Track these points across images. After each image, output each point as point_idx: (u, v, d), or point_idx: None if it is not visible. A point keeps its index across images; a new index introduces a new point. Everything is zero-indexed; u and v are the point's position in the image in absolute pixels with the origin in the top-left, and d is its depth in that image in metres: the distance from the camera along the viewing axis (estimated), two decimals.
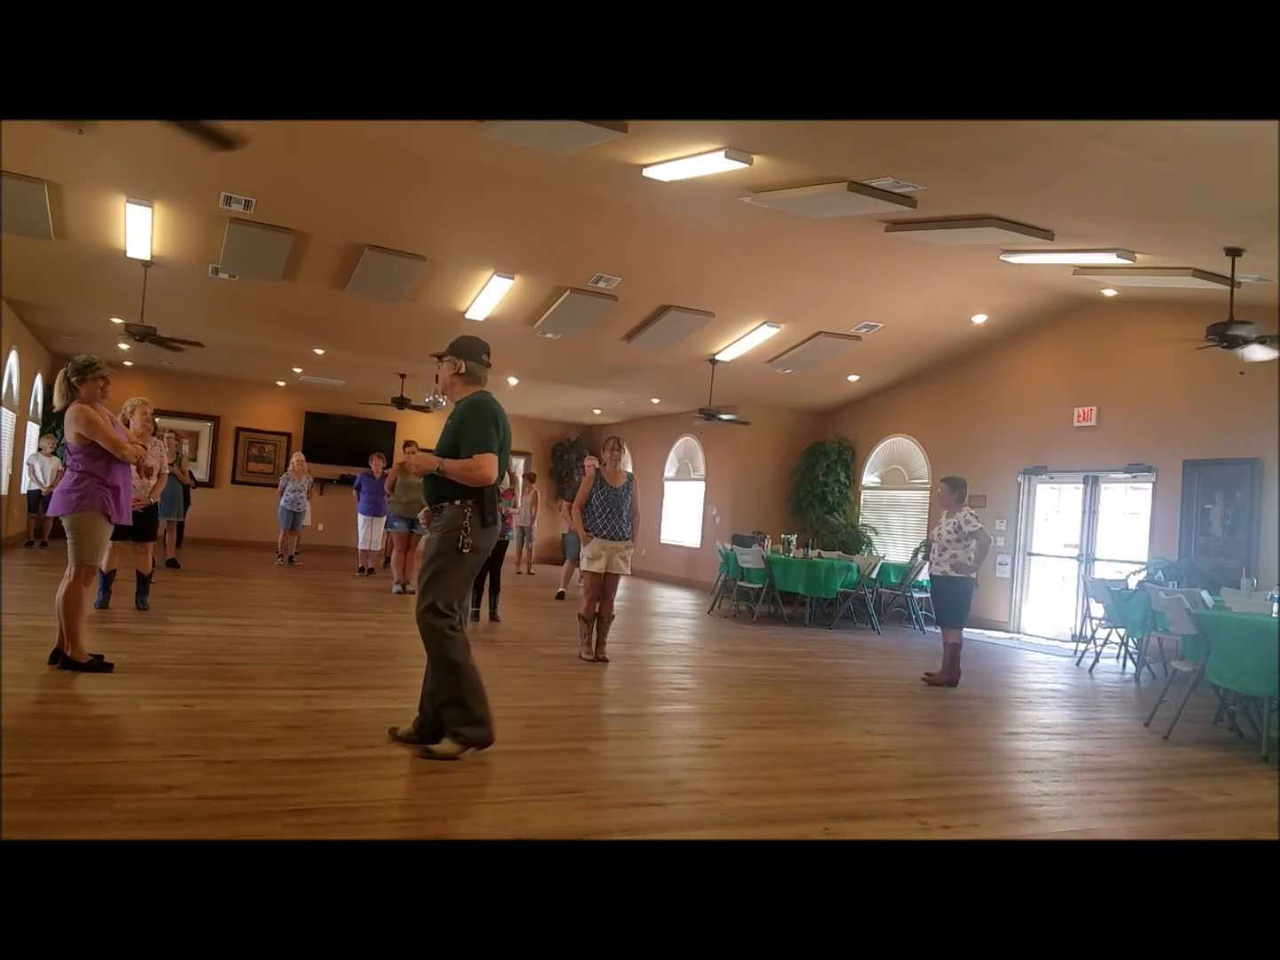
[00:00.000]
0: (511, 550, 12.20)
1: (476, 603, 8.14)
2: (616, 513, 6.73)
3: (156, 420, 7.16)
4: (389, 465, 12.53)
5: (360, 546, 12.16)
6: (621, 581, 7.21)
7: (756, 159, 6.05)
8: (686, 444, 15.78)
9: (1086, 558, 10.28)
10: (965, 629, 7.17)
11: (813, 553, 10.92)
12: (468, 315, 9.94)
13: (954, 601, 7.05)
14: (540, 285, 9.52)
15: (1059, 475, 10.68)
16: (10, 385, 11.20)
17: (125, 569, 7.38)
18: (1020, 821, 3.68)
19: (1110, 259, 7.61)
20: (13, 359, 11.18)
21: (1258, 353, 6.95)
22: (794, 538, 11.12)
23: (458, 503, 3.81)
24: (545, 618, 9.19)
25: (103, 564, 5.88)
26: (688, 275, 9.34)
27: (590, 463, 7.75)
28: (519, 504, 12.40)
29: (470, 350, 4.03)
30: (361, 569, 12.09)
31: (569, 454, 17.81)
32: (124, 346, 12.41)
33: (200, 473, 14.98)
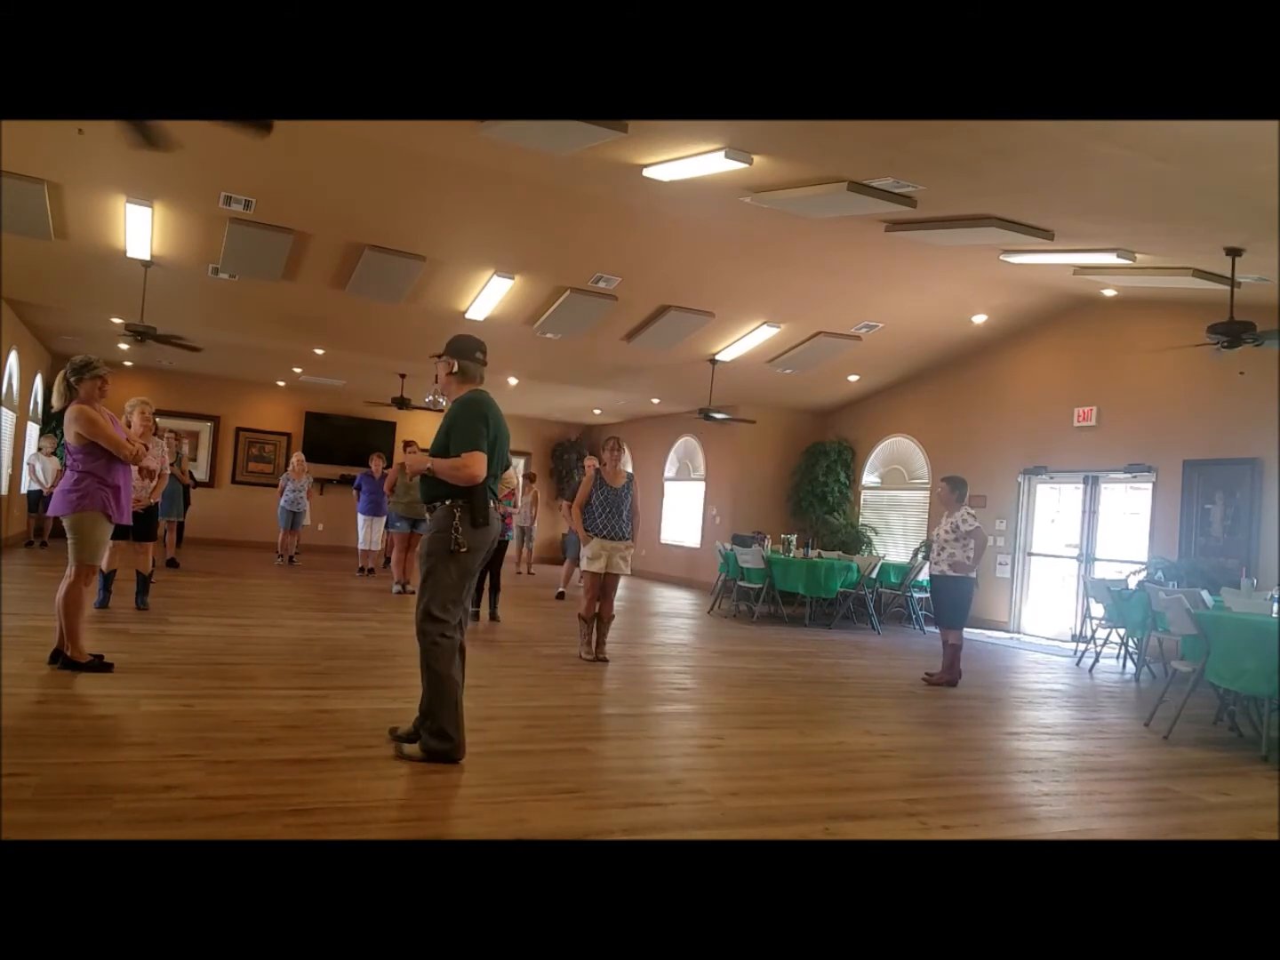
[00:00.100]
0: (511, 550, 12.20)
1: (476, 603, 8.14)
2: (616, 513, 6.73)
3: (157, 420, 7.16)
4: (389, 465, 12.53)
5: (360, 546, 12.16)
6: (621, 581, 7.21)
7: (756, 159, 6.05)
8: (686, 444, 15.78)
9: (1086, 558, 10.28)
10: (965, 629, 7.16)
11: (813, 553, 10.92)
12: (468, 315, 9.94)
13: (953, 601, 7.04)
14: (540, 285, 9.52)
15: (1059, 475, 10.68)
16: (10, 385, 11.19)
17: (125, 569, 7.38)
18: (1020, 821, 3.68)
19: (1110, 259, 7.61)
20: (13, 359, 11.18)
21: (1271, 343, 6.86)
22: (794, 538, 11.12)
23: (448, 502, 3.78)
24: (545, 618, 9.19)
25: (103, 564, 5.89)
26: (688, 275, 9.34)
27: (590, 463, 7.75)
28: (519, 504, 12.41)
29: (464, 349, 4.01)
30: (361, 569, 12.09)
31: (569, 454, 17.81)
32: (124, 346, 12.40)
33: (200, 473, 14.98)
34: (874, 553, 12.30)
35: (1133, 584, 8.46)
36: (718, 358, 11.59)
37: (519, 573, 14.24)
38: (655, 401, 14.59)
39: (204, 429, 15.64)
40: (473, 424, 3.79)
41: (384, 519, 11.74)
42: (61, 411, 4.95)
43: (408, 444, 11.01)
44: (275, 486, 13.39)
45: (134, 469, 5.25)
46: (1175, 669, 5.89)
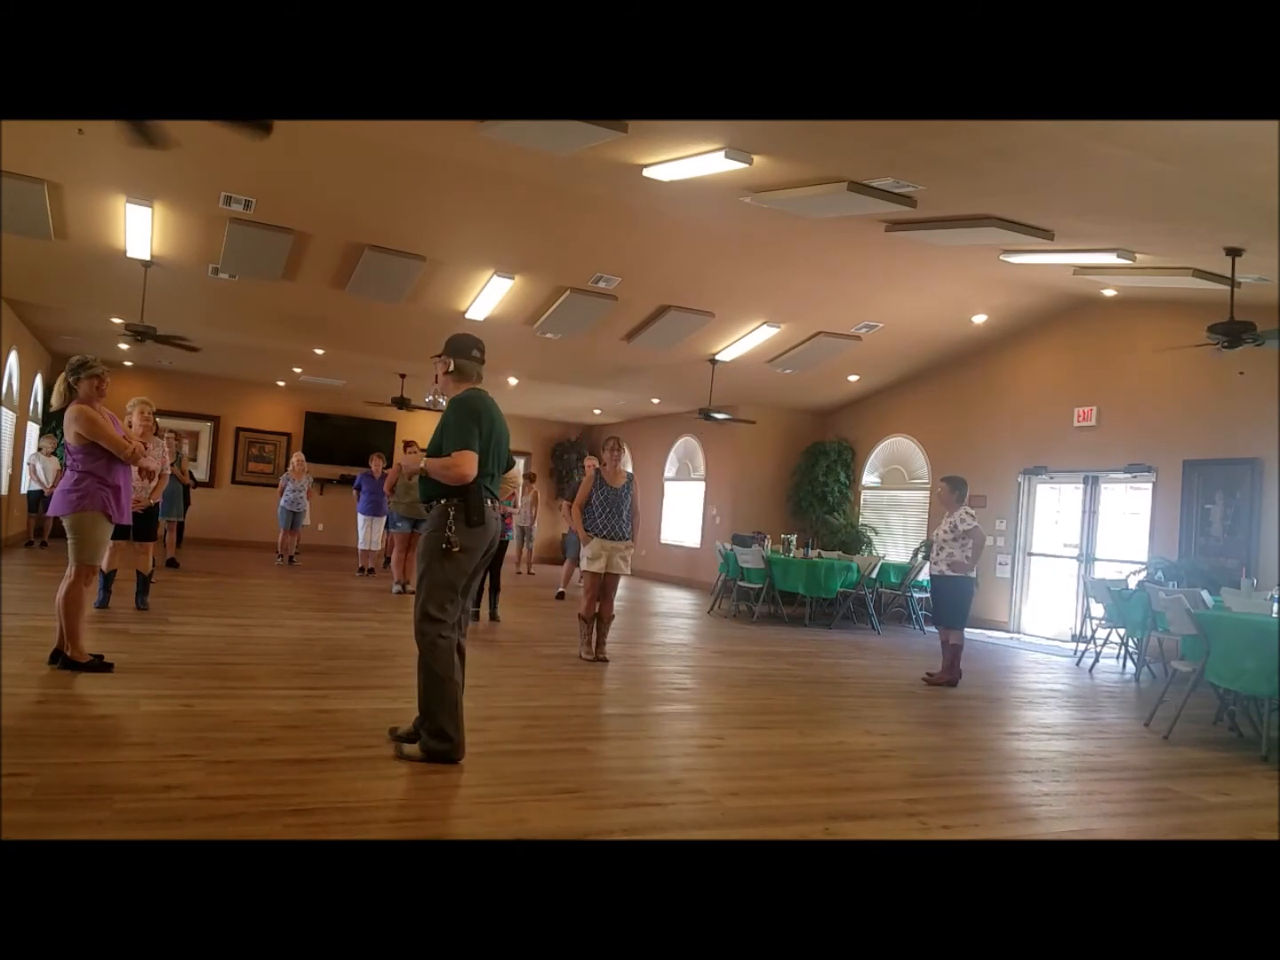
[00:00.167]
0: (511, 550, 12.20)
1: (477, 603, 8.14)
2: (616, 513, 6.73)
3: (157, 421, 7.16)
4: (389, 465, 12.53)
5: (360, 546, 12.16)
6: (621, 581, 7.21)
7: (756, 159, 6.05)
8: (686, 444, 15.78)
9: (1086, 558, 10.28)
10: (966, 629, 7.16)
11: (813, 553, 10.92)
12: (468, 315, 9.94)
13: (952, 601, 7.03)
14: (540, 285, 9.52)
15: (1059, 475, 10.69)
16: (10, 385, 11.20)
17: (125, 569, 7.38)
18: (1020, 821, 3.68)
19: (1110, 259, 7.61)
20: (13, 359, 11.18)
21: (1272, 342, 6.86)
22: (794, 538, 11.12)
23: (443, 502, 3.77)
24: (545, 618, 9.19)
25: (103, 564, 5.89)
26: (688, 275, 9.34)
27: (590, 463, 7.75)
28: (519, 504, 12.41)
29: (460, 348, 3.99)
30: (361, 569, 12.09)
31: (569, 454, 17.81)
32: (124, 346, 12.41)
33: (200, 473, 14.98)
34: (874, 553, 12.30)
35: (1133, 584, 8.46)
36: (718, 358, 11.59)
37: (519, 573, 14.24)
38: (655, 401, 14.59)
39: (204, 429, 15.64)
40: (464, 423, 3.77)
41: (384, 519, 11.75)
42: (61, 411, 4.95)
43: (408, 444, 11.01)
44: (275, 486, 13.39)
45: (134, 469, 5.25)
46: (1175, 669, 5.89)
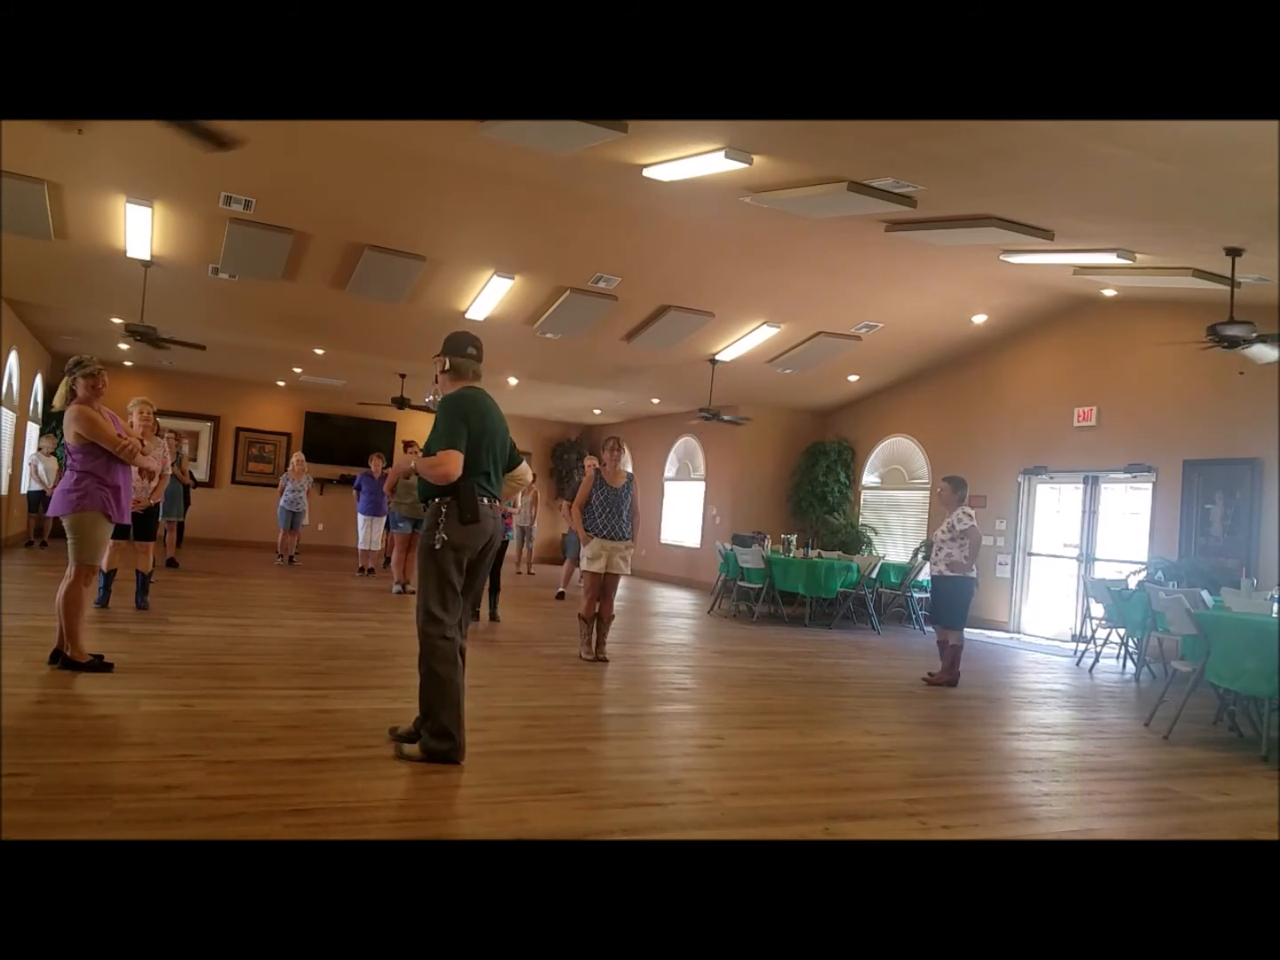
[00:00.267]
0: (511, 550, 12.21)
1: (477, 603, 8.13)
2: (616, 513, 6.73)
3: (159, 421, 7.16)
4: (389, 465, 12.53)
5: (360, 546, 12.16)
6: (621, 581, 7.21)
7: (756, 159, 6.05)
8: (686, 444, 15.78)
9: (1086, 558, 10.28)
10: (966, 629, 7.15)
11: (813, 553, 10.92)
12: (468, 315, 9.94)
13: (951, 602, 7.02)
14: (540, 285, 9.52)
15: (1059, 475, 10.68)
16: (10, 385, 11.20)
17: (125, 569, 7.38)
18: (1020, 821, 3.68)
19: (1110, 259, 7.61)
20: (13, 359, 11.18)
21: (1265, 354, 6.93)
22: (794, 538, 11.12)
23: (437, 500, 3.78)
24: (545, 618, 9.19)
25: (103, 564, 5.89)
26: (688, 275, 9.34)
27: (590, 463, 7.75)
28: (519, 504, 12.41)
29: (455, 346, 3.98)
30: (361, 569, 12.09)
31: (569, 454, 17.81)
32: (124, 346, 12.41)
33: (200, 473, 14.98)
34: (874, 553, 12.30)
35: (1133, 584, 8.45)
36: (718, 358, 11.59)
37: (519, 573, 14.24)
38: (655, 401, 14.59)
39: (204, 429, 15.64)
40: (449, 423, 3.77)
41: (384, 519, 11.75)
42: (62, 411, 4.95)
43: (407, 444, 11.01)
44: (275, 486, 13.39)
45: (134, 469, 5.25)
46: (1175, 669, 5.89)
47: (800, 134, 5.59)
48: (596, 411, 16.71)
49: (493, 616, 8.46)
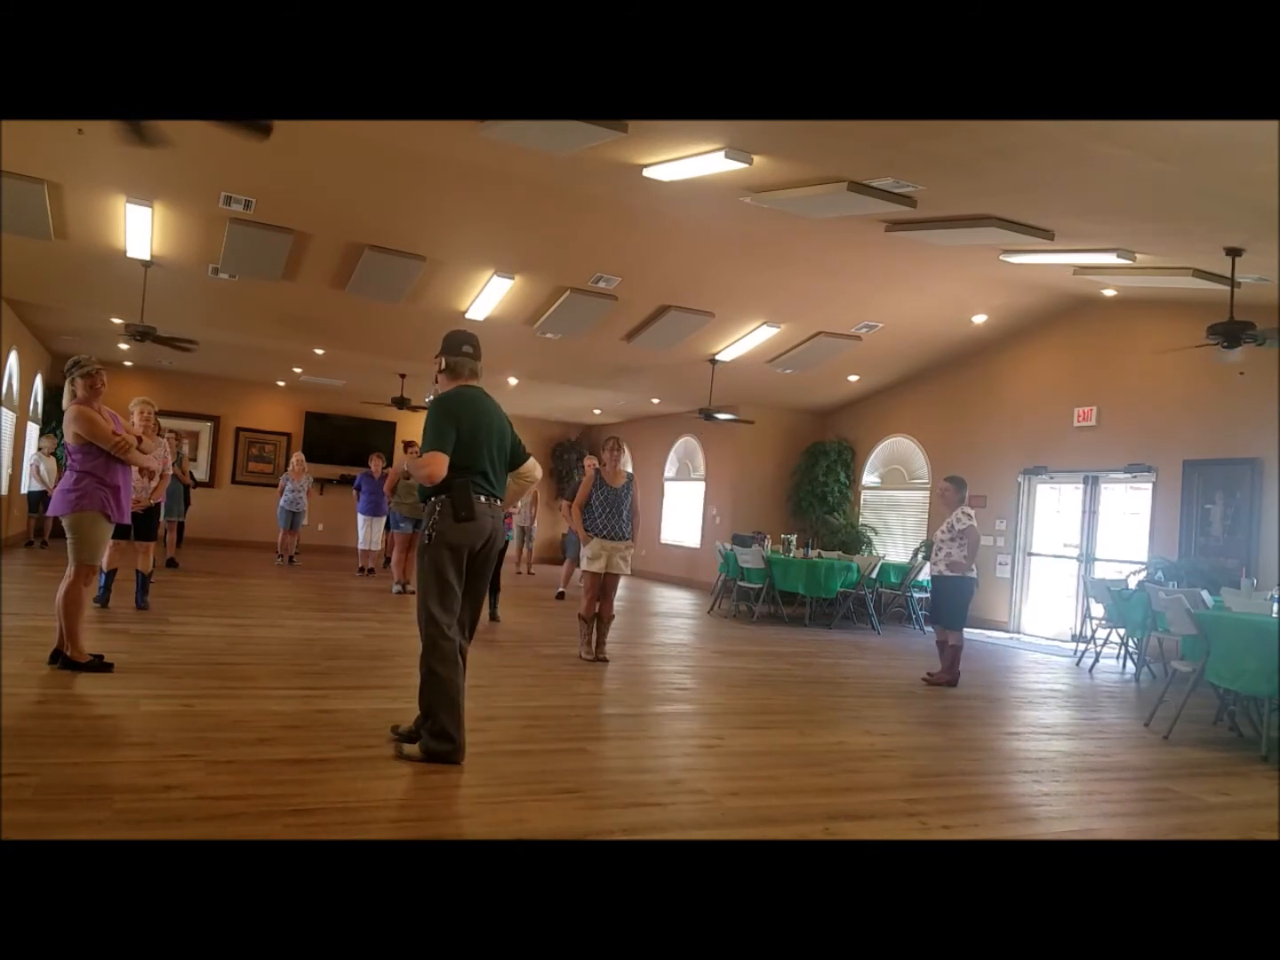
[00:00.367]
0: (511, 550, 12.21)
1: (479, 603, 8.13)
2: (616, 513, 6.73)
3: (160, 421, 7.15)
4: (389, 465, 12.53)
5: (360, 546, 12.16)
6: (621, 581, 7.21)
7: (756, 159, 6.05)
8: (686, 444, 15.78)
9: (1086, 558, 10.28)
10: (966, 629, 7.15)
11: (813, 553, 10.92)
12: (468, 315, 9.94)
13: (950, 602, 7.02)
14: (540, 285, 9.52)
15: (1059, 475, 10.68)
16: (10, 385, 11.20)
17: (125, 568, 7.39)
18: (1020, 821, 3.68)
19: (1110, 259, 7.61)
20: (13, 359, 11.18)
21: (1231, 355, 6.95)
22: (794, 538, 11.12)
23: (433, 499, 3.78)
24: (545, 618, 9.19)
25: (103, 563, 5.88)
26: (688, 275, 9.34)
27: (590, 463, 7.75)
28: (519, 504, 12.41)
29: (450, 345, 3.98)
30: (361, 569, 12.09)
31: (569, 454, 17.81)
32: (124, 346, 12.40)
33: (200, 473, 14.98)
34: (874, 553, 12.30)
35: (1133, 584, 8.46)
36: (718, 358, 11.59)
37: (519, 573, 14.24)
38: (655, 401, 14.59)
39: (204, 429, 15.64)
40: (436, 423, 3.77)
41: (384, 519, 11.76)
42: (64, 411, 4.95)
43: (408, 444, 11.00)
44: (275, 486, 13.39)
45: (134, 468, 5.24)
46: (1175, 669, 5.89)
47: (800, 134, 5.59)
48: (596, 411, 16.70)
49: (493, 616, 8.46)
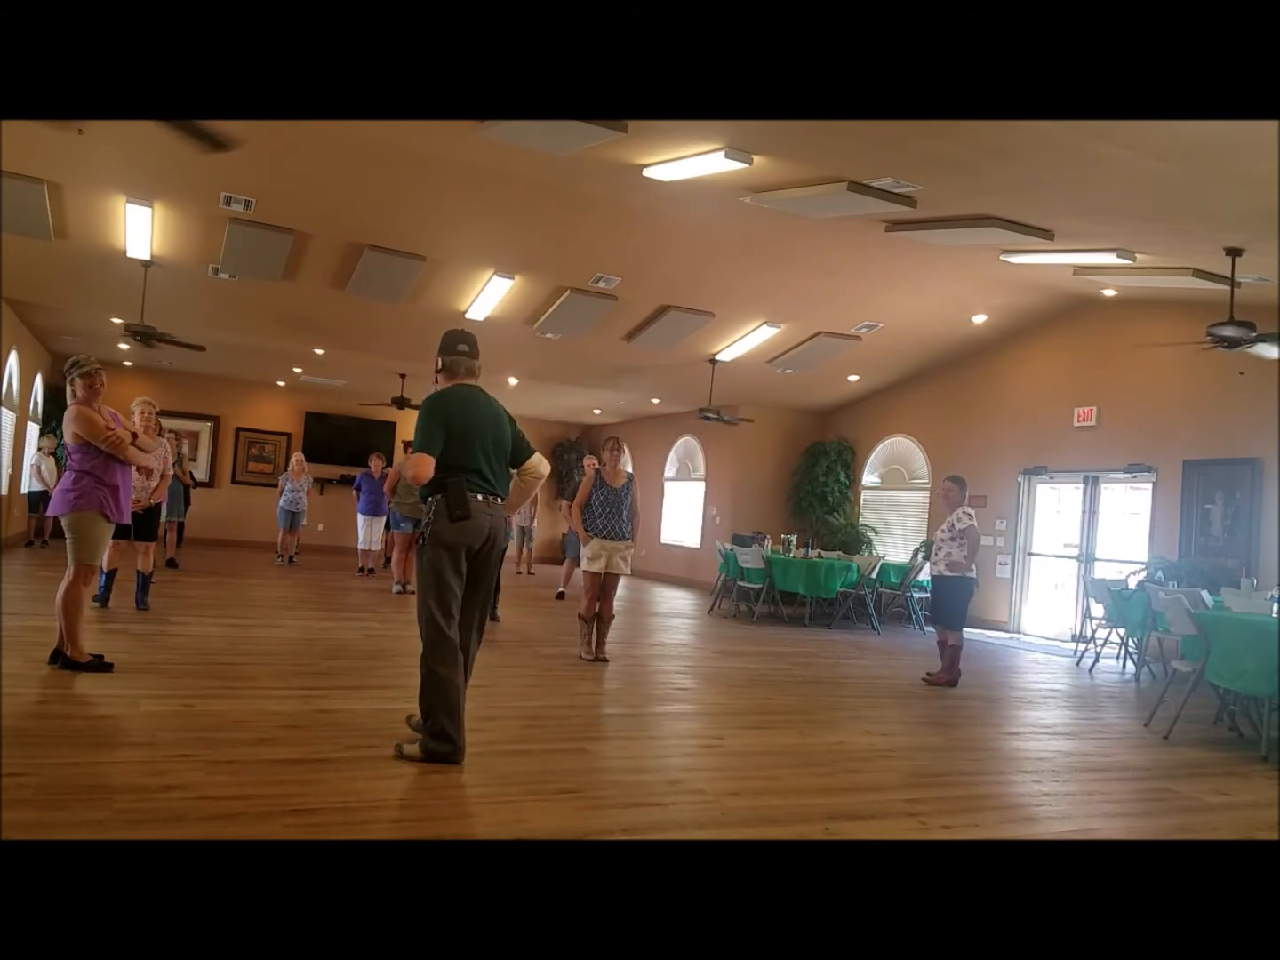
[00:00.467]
0: (511, 550, 12.21)
1: (486, 604, 8.12)
2: (616, 513, 6.73)
3: (161, 421, 7.15)
4: (389, 465, 12.54)
5: (360, 546, 12.16)
6: (621, 581, 7.21)
7: (756, 159, 6.05)
8: (686, 444, 15.78)
9: (1086, 558, 10.28)
10: (966, 629, 7.15)
11: (813, 553, 10.92)
12: (468, 315, 9.94)
13: (950, 602, 7.02)
14: (540, 285, 9.52)
15: (1059, 475, 10.69)
16: (10, 385, 11.20)
17: (126, 569, 7.39)
18: (1020, 821, 3.68)
19: (1110, 259, 7.61)
20: (13, 359, 11.18)
21: (1270, 350, 6.93)
22: (794, 538, 11.11)
23: (430, 499, 3.78)
24: (545, 618, 9.19)
25: (103, 563, 5.88)
26: (688, 275, 9.34)
27: (590, 463, 7.74)
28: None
29: (446, 345, 3.97)
30: (361, 569, 12.09)
31: (569, 454, 17.81)
32: (124, 346, 12.40)
33: (200, 473, 14.98)
34: (874, 553, 12.30)
35: (1133, 584, 8.46)
36: (718, 358, 11.59)
37: (519, 573, 14.24)
38: (655, 401, 14.59)
39: (204, 429, 15.64)
40: (423, 424, 3.77)
41: (384, 519, 11.76)
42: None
43: (408, 444, 11.00)
44: (275, 486, 13.39)
45: (134, 468, 5.24)
46: (1175, 669, 5.89)
47: (800, 134, 5.59)
48: (596, 411, 16.70)
49: (493, 616, 8.46)
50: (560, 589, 11.32)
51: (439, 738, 3.69)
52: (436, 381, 4.06)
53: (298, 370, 14.11)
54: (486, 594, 3.98)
